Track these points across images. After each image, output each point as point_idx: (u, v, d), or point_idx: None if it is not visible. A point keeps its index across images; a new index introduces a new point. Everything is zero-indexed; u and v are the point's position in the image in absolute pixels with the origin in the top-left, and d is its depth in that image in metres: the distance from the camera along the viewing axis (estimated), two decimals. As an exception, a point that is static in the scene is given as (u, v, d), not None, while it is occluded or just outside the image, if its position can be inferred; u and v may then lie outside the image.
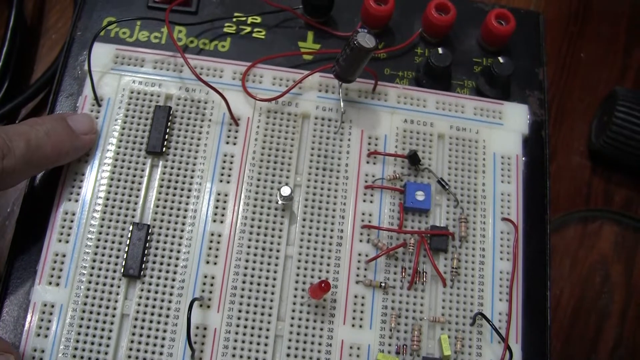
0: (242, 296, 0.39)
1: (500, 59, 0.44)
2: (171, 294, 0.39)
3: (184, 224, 0.41)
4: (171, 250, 0.40)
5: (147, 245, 0.40)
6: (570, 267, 0.49)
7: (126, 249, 0.39)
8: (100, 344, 0.38)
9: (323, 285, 0.38)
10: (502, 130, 0.44)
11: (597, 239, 0.50)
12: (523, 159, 0.44)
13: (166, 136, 0.42)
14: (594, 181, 0.51)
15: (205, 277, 0.40)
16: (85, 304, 0.39)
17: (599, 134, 0.51)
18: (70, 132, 0.40)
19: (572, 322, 0.48)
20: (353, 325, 0.39)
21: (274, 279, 0.40)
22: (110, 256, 0.40)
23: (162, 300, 0.39)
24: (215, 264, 0.40)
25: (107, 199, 0.41)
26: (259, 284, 0.40)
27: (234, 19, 0.46)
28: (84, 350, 0.38)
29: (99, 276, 0.39)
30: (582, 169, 0.52)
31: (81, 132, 0.40)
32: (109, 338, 0.38)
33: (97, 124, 0.42)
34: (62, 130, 0.39)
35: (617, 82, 0.54)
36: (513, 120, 0.45)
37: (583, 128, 0.53)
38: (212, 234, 0.40)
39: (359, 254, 0.41)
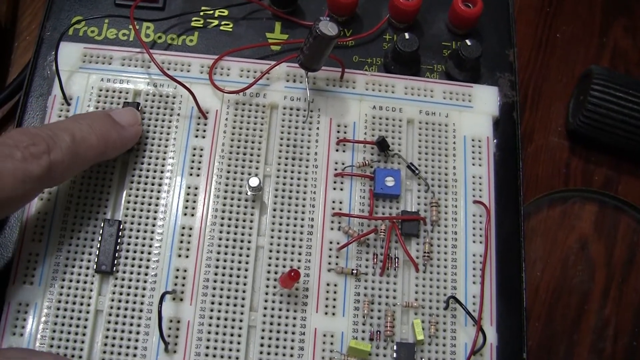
0: (214, 288, 0.39)
1: (468, 42, 0.44)
2: (144, 289, 0.39)
3: (155, 219, 0.41)
4: (143, 245, 0.40)
5: (118, 241, 0.40)
6: (550, 248, 0.49)
7: (98, 246, 0.40)
8: (75, 341, 0.38)
9: (292, 274, 0.38)
10: (472, 113, 0.44)
11: (577, 219, 0.50)
12: (494, 141, 0.44)
13: (135, 132, 0.42)
14: (572, 161, 0.51)
15: (178, 270, 0.40)
16: (59, 302, 0.39)
17: (575, 113, 0.50)
18: (115, 123, 0.39)
19: (553, 303, 0.48)
20: (326, 313, 0.39)
21: (246, 270, 0.40)
22: (82, 253, 0.40)
23: (136, 295, 0.39)
24: (187, 257, 0.40)
25: (79, 197, 0.41)
26: (230, 275, 0.40)
27: (201, 13, 0.46)
28: (59, 347, 0.38)
29: (72, 273, 0.39)
30: (560, 149, 0.51)
31: (126, 124, 0.40)
32: (84, 334, 0.38)
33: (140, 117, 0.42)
34: (106, 122, 0.39)
35: (594, 61, 0.53)
36: (483, 102, 0.44)
37: (560, 108, 0.52)
38: (183, 228, 0.41)
39: (330, 242, 0.41)
